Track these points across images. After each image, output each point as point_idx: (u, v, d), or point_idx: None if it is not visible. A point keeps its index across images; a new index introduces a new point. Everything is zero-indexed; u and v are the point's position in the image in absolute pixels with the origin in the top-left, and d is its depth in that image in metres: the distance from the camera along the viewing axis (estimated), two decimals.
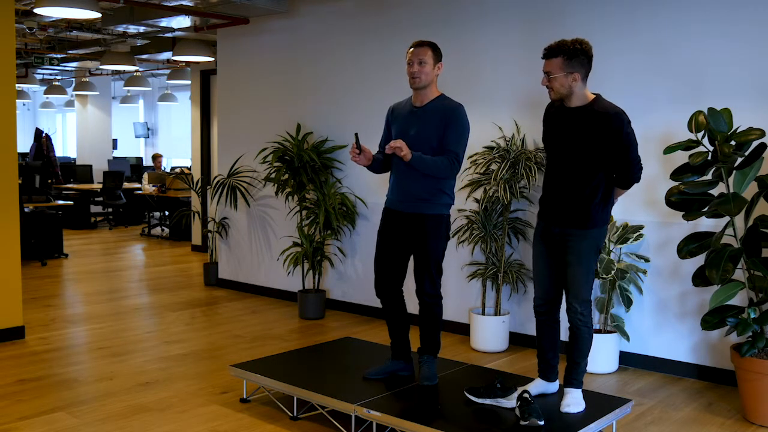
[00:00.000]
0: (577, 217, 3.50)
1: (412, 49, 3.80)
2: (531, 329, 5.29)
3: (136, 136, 17.65)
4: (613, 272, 4.59)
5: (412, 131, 3.78)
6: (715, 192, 4.10)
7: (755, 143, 3.96)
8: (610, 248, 4.70)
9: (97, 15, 6.38)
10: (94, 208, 12.68)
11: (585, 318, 3.57)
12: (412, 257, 3.95)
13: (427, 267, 3.84)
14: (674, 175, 4.12)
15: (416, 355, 4.06)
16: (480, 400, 3.60)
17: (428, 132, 3.75)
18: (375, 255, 4.00)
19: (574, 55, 3.39)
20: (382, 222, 3.98)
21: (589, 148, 3.44)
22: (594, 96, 3.50)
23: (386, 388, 3.82)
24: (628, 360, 4.92)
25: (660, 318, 4.80)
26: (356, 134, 3.76)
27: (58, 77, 14.57)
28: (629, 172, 3.52)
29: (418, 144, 3.75)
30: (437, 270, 3.87)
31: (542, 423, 3.30)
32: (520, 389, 3.57)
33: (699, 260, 4.24)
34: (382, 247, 3.96)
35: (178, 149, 16.40)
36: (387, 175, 4.07)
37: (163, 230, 11.77)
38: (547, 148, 3.66)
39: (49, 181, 10.87)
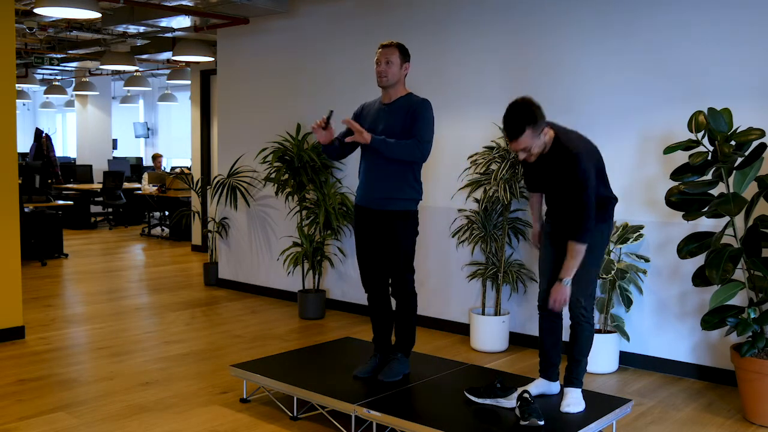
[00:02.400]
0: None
1: (380, 49, 3.87)
2: (531, 329, 5.30)
3: (136, 136, 17.64)
4: (613, 272, 4.59)
5: (381, 126, 3.87)
6: (715, 192, 4.10)
7: (755, 143, 3.96)
8: (611, 248, 4.70)
9: (97, 15, 6.38)
10: (94, 208, 12.68)
11: (587, 314, 3.60)
12: None
13: (396, 264, 3.89)
14: (674, 175, 4.12)
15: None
16: (480, 400, 3.60)
17: (396, 126, 3.83)
18: (357, 253, 4.06)
19: (536, 119, 3.28)
20: (355, 219, 4.06)
21: (562, 184, 3.44)
22: (554, 135, 3.41)
23: (386, 388, 3.82)
24: (628, 360, 4.92)
25: (660, 318, 4.80)
26: (331, 111, 3.84)
27: (58, 77, 14.57)
28: (579, 214, 3.36)
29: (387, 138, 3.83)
30: (407, 267, 3.92)
31: (542, 423, 3.30)
32: (520, 389, 3.57)
33: (699, 260, 4.24)
34: (360, 243, 4.02)
35: (178, 149, 16.40)
36: None
37: (163, 230, 11.77)
38: (531, 186, 3.80)
39: (49, 181, 10.88)
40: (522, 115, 3.26)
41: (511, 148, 3.38)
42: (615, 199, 3.65)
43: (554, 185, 3.51)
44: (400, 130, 3.81)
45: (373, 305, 4.10)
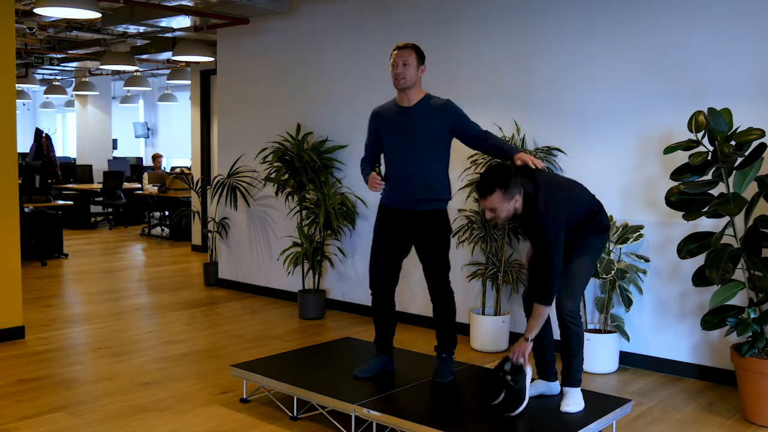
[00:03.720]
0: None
1: (395, 51, 3.88)
2: None
3: (136, 136, 17.64)
4: (613, 272, 4.59)
5: (415, 129, 3.85)
6: (715, 192, 4.10)
7: (755, 143, 3.96)
8: (610, 248, 4.70)
9: (97, 15, 6.38)
10: (94, 208, 12.68)
11: (575, 317, 3.59)
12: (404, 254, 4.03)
13: (438, 263, 3.90)
14: (674, 175, 4.12)
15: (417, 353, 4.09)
16: (501, 398, 3.50)
17: (432, 129, 3.84)
18: (372, 251, 4.04)
19: (508, 184, 3.35)
20: (380, 220, 4.02)
21: (534, 241, 3.56)
22: (523, 196, 3.43)
23: (386, 388, 3.82)
24: (628, 360, 4.92)
25: (660, 318, 4.80)
26: (378, 167, 3.98)
27: (58, 77, 14.56)
28: (545, 274, 3.42)
29: (420, 142, 3.83)
30: (446, 266, 3.94)
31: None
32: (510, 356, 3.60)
33: (699, 260, 4.24)
34: (381, 244, 4.00)
35: (178, 149, 16.40)
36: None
37: (163, 230, 11.77)
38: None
39: (49, 181, 10.87)
40: (495, 176, 3.37)
41: (481, 205, 3.47)
42: (598, 211, 3.63)
43: (531, 239, 3.60)
44: (438, 133, 3.84)
45: (378, 306, 4.08)
